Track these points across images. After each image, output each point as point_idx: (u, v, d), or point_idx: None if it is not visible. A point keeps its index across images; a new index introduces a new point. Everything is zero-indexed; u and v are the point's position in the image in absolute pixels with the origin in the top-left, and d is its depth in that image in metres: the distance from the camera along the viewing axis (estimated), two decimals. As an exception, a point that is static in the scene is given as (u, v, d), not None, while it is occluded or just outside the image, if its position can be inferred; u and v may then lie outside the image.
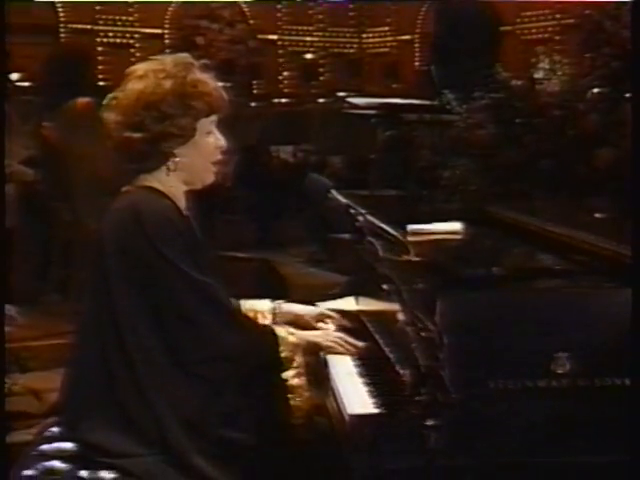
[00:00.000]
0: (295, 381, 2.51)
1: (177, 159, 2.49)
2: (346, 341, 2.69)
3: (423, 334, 2.10)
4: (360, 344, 2.71)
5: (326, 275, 5.73)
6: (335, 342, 2.68)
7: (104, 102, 2.53)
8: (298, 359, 2.53)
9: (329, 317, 2.87)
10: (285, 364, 2.51)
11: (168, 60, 2.52)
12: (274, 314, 2.79)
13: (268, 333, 2.57)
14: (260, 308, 2.80)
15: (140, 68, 2.51)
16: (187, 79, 2.47)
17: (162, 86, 2.45)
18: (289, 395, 2.50)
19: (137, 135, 2.44)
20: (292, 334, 2.58)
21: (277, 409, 2.52)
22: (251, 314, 2.78)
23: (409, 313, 2.31)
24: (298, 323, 2.78)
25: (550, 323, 2.16)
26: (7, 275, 4.66)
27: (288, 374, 2.51)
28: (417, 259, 2.51)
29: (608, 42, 5.94)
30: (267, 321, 2.76)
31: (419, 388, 2.07)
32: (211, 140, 2.53)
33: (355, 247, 3.13)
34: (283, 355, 2.51)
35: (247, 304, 2.80)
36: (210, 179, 2.57)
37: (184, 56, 2.56)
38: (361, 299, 3.09)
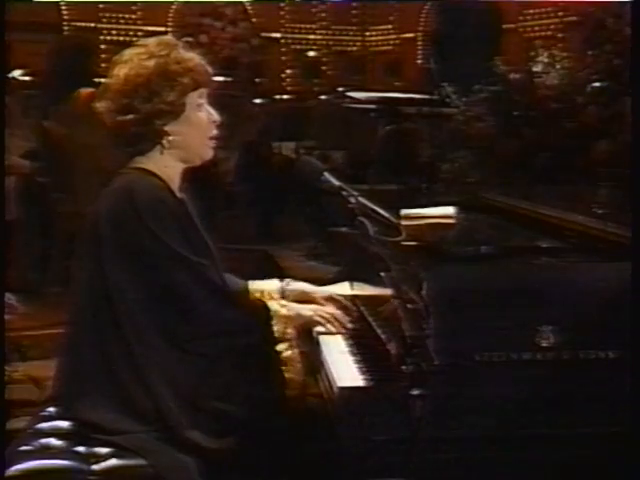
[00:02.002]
0: (288, 353, 2.54)
1: (170, 137, 2.53)
2: (336, 318, 2.71)
3: (410, 306, 2.14)
4: (349, 325, 2.73)
5: (325, 268, 5.74)
6: (325, 318, 2.69)
7: (99, 89, 2.59)
8: (290, 331, 2.56)
9: (337, 301, 2.85)
10: (278, 337, 2.55)
11: (151, 42, 2.57)
12: (282, 293, 2.79)
13: (260, 308, 2.60)
14: (268, 288, 2.80)
15: (125, 53, 2.57)
16: (170, 57, 2.52)
17: (146, 66, 2.50)
18: (283, 367, 2.54)
19: (128, 117, 2.49)
20: (284, 306, 2.61)
21: (271, 381, 2.55)
22: (258, 294, 2.78)
23: (397, 287, 2.34)
24: (306, 302, 2.78)
25: (535, 297, 2.19)
26: (8, 265, 4.69)
27: (281, 347, 2.54)
28: (409, 243, 2.54)
29: (610, 39, 5.96)
30: (283, 301, 2.72)
31: (405, 358, 2.10)
32: (203, 114, 2.57)
33: (349, 233, 3.16)
34: (276, 328, 2.55)
35: (255, 284, 2.81)
36: (208, 154, 2.60)
37: (167, 37, 2.62)
38: (356, 284, 3.11)
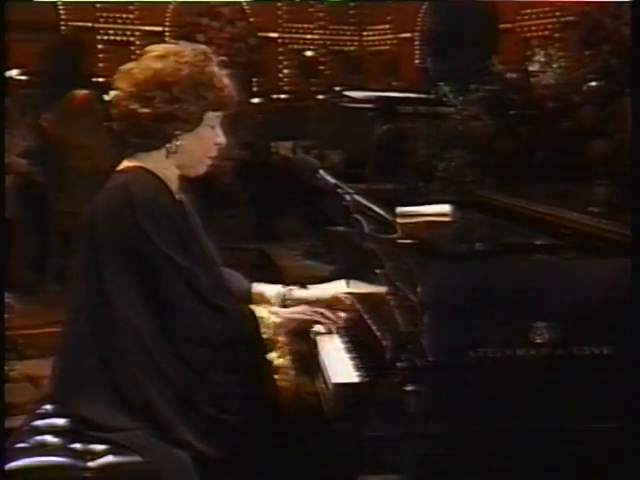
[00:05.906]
0: (279, 361, 2.54)
1: (178, 142, 2.53)
2: (326, 316, 2.70)
3: (404, 303, 2.14)
4: (342, 316, 2.72)
5: (322, 267, 5.75)
6: (315, 316, 2.69)
7: (120, 72, 2.55)
8: (281, 339, 2.56)
9: (342, 301, 2.84)
10: (268, 345, 2.54)
11: (189, 48, 2.56)
12: (283, 300, 2.79)
13: (247, 316, 2.56)
14: (268, 295, 2.80)
15: (160, 48, 2.56)
16: (205, 70, 2.52)
17: (180, 70, 2.50)
18: (274, 375, 2.53)
19: (144, 110, 2.48)
20: (275, 313, 2.60)
21: (263, 389, 2.55)
22: (258, 299, 2.79)
23: (392, 284, 2.34)
24: None
25: (529, 293, 2.19)
26: (6, 264, 4.70)
27: (272, 355, 2.53)
28: (405, 240, 2.55)
29: (607, 39, 5.98)
30: (274, 308, 2.72)
31: (399, 354, 2.11)
32: (212, 135, 2.58)
33: (345, 232, 3.16)
34: (265, 336, 2.53)
35: (258, 287, 2.83)
36: (202, 171, 2.62)
37: (204, 47, 2.60)
38: (351, 282, 3.12)
